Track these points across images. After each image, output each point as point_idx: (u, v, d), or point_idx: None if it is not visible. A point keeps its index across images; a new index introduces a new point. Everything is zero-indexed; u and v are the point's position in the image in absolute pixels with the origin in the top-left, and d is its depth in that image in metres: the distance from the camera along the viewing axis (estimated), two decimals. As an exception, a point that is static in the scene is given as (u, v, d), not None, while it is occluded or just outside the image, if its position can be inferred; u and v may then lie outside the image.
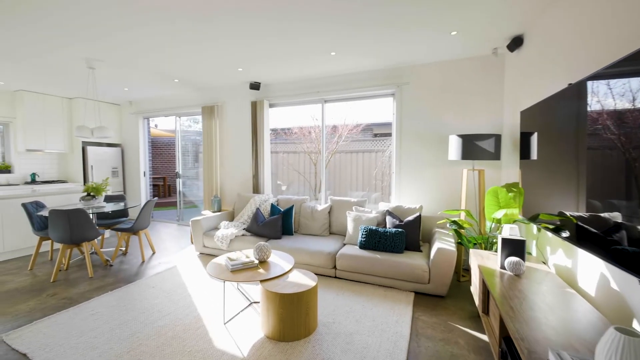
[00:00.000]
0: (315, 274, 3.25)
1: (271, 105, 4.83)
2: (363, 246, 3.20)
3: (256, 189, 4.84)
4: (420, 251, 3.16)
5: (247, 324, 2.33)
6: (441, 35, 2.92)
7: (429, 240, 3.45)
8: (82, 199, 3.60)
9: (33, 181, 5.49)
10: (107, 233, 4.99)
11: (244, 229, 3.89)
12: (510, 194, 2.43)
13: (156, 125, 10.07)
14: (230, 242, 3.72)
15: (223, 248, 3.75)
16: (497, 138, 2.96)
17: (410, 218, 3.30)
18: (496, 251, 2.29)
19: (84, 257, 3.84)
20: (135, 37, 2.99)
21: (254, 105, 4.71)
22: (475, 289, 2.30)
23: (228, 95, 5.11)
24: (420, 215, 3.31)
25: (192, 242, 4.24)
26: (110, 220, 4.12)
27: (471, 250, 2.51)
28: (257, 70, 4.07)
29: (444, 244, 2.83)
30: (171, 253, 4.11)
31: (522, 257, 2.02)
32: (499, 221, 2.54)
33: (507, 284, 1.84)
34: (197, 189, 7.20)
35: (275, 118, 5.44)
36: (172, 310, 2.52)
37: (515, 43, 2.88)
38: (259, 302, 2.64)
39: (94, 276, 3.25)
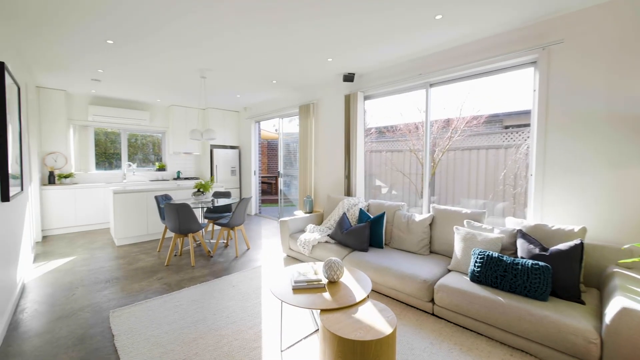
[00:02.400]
0: (405, 304, 2.54)
1: (366, 98, 4.30)
2: (477, 279, 2.26)
3: (348, 191, 4.41)
4: (582, 303, 1.97)
5: (307, 358, 1.91)
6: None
7: (600, 287, 2.15)
8: (193, 194, 4.07)
9: (178, 177, 6.84)
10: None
11: (328, 235, 3.53)
12: None
13: (276, 130, 11.15)
14: (312, 248, 3.42)
15: (305, 254, 3.49)
16: None
17: (561, 246, 2.13)
18: None
19: (198, 244, 4.36)
20: (232, 44, 3.06)
21: (347, 99, 4.29)
22: None
23: (322, 92, 4.88)
24: (582, 243, 2.09)
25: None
26: (217, 214, 4.54)
27: None
28: (348, 58, 3.62)
29: (636, 301, 1.61)
30: (262, 251, 4.17)
31: None
32: None
33: None
34: (295, 189, 7.42)
35: (377, 114, 4.88)
36: (239, 318, 2.37)
37: None
38: (327, 330, 2.17)
39: (195, 265, 3.57)
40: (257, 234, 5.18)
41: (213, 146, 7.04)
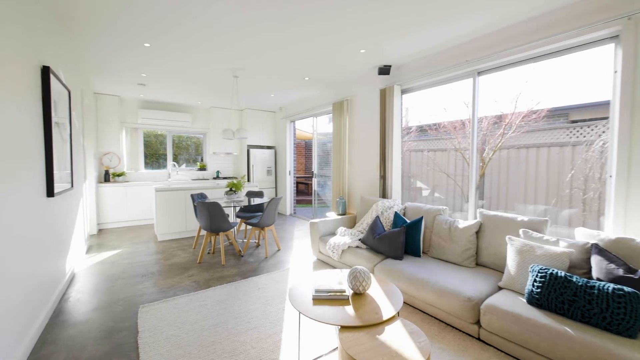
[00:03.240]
0: (444, 322, 2.21)
1: (404, 91, 3.96)
2: (536, 302, 1.86)
3: (384, 193, 4.11)
4: (689, 346, 1.49)
5: (327, 378, 1.71)
6: None
7: None
8: (225, 193, 4.11)
9: (217, 177, 7.09)
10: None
11: (359, 240, 3.28)
12: None
13: (319, 131, 11.13)
14: (342, 253, 3.21)
15: (334, 259, 3.29)
16: None
17: (657, 269, 1.65)
18: None
19: (230, 243, 4.41)
20: (260, 37, 2.99)
21: (383, 94, 4.00)
22: None
23: (356, 87, 4.64)
24: (688, 266, 1.59)
25: (312, 245, 4.06)
26: (249, 213, 4.55)
27: None
28: (382, 49, 3.34)
29: None
30: (293, 253, 4.06)
31: None
32: None
33: None
34: (330, 190, 7.23)
35: (417, 111, 4.53)
36: (261, 324, 2.25)
37: None
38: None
39: (225, 264, 3.58)
40: (289, 234, 5.11)
41: (250, 146, 7.17)
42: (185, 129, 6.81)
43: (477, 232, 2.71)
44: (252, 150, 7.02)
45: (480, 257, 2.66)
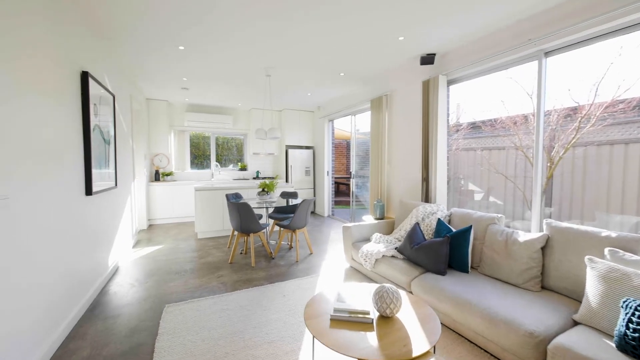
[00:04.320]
0: (496, 358, 1.80)
1: (450, 82, 3.49)
2: (632, 350, 1.38)
3: (426, 197, 3.68)
4: None
5: (344, 415, 1.45)
6: None
7: None
8: (258, 194, 4.06)
9: (257, 177, 7.19)
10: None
11: (395, 249, 2.94)
12: None
13: (358, 130, 10.84)
14: (375, 262, 2.90)
15: (367, 268, 2.99)
16: None
17: None
18: None
19: (261, 244, 4.36)
20: (292, 29, 2.85)
21: (426, 86, 3.57)
22: None
23: (396, 81, 4.25)
24: None
25: (345, 251, 3.80)
26: (282, 214, 4.45)
27: None
28: (424, 34, 2.95)
29: None
30: (326, 258, 3.85)
31: None
32: None
33: None
34: (368, 191, 6.86)
35: (468, 106, 4.02)
36: (279, 337, 2.08)
37: None
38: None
39: (254, 266, 3.50)
40: (325, 237, 4.91)
41: (288, 147, 7.15)
42: (227, 130, 7.04)
43: (543, 248, 2.20)
44: (290, 151, 6.98)
45: (547, 279, 2.15)
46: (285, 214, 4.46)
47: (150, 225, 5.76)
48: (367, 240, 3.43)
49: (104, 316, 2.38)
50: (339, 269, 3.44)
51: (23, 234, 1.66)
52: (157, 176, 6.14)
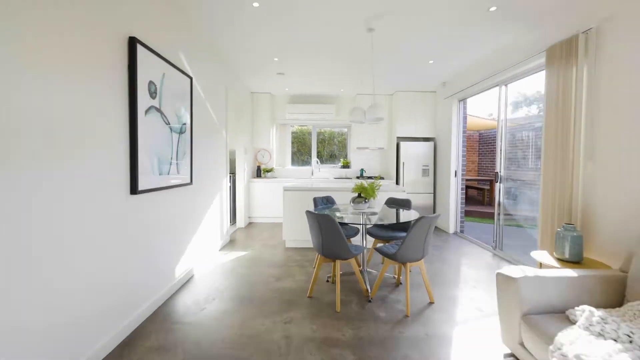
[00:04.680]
0: None
1: None
2: None
3: None
4: None
5: None
6: None
7: None
8: (353, 200, 2.85)
9: (361, 175, 6.03)
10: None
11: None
12: None
13: (492, 116, 8.23)
14: (603, 391, 1.21)
15: (574, 393, 1.31)
16: None
17: None
18: None
19: (353, 273, 3.15)
20: None
21: None
22: None
23: (611, 5, 2.18)
24: None
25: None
26: (390, 232, 3.11)
27: None
28: None
29: None
30: (456, 317, 2.29)
31: None
32: None
33: None
34: (529, 203, 4.51)
35: None
36: None
37: None
38: None
39: (340, 312, 2.34)
40: (453, 270, 3.26)
41: (400, 139, 5.66)
42: (329, 122, 6.16)
43: None
44: (403, 144, 5.48)
45: None
46: (393, 232, 3.09)
47: (249, 224, 5.50)
48: (559, 311, 1.70)
49: (144, 334, 1.73)
50: (486, 350, 1.86)
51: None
52: (258, 172, 5.86)
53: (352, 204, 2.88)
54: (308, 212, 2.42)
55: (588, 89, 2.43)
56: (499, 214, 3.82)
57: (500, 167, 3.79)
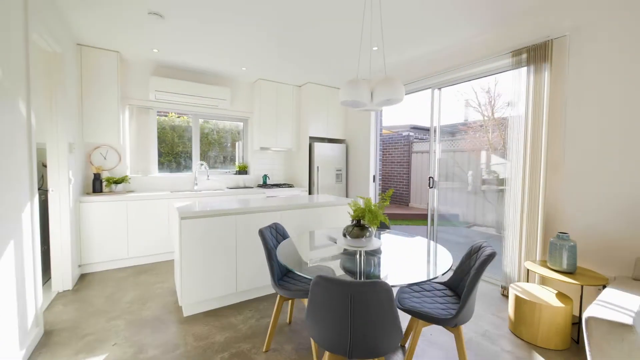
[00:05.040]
0: None
1: None
2: None
3: None
4: None
5: None
6: None
7: None
8: (348, 233, 1.73)
9: (265, 184, 4.76)
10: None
11: None
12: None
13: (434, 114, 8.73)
14: None
15: None
16: None
17: None
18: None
19: None
20: None
21: None
22: None
23: (586, 11, 2.23)
24: None
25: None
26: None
27: None
28: None
29: None
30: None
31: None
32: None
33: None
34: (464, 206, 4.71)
35: None
36: None
37: None
38: None
39: None
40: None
41: (313, 139, 4.85)
42: (221, 112, 4.51)
43: None
44: (317, 145, 4.68)
45: None
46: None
47: (83, 277, 3.10)
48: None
49: None
50: None
51: None
52: (97, 185, 3.46)
53: (347, 238, 1.73)
54: (323, 279, 1.13)
55: (554, 97, 2.42)
56: (432, 219, 3.68)
57: (435, 172, 3.65)
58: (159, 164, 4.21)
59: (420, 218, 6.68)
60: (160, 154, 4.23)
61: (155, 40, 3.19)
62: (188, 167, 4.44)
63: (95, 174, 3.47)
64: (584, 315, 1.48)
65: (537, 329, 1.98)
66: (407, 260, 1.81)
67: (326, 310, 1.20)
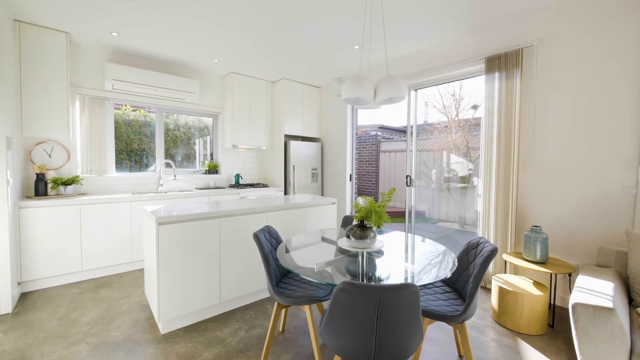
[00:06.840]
0: None
1: None
2: None
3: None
4: None
5: None
6: None
7: None
8: (350, 232, 1.67)
9: (237, 183, 4.51)
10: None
11: None
12: None
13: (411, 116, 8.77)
14: None
15: None
16: None
17: None
18: None
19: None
20: None
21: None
22: None
23: (551, 24, 2.45)
24: None
25: None
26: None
27: None
28: None
29: None
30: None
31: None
32: None
33: None
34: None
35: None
36: None
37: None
38: None
39: None
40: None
41: (288, 137, 4.72)
42: (188, 106, 4.16)
43: None
44: (292, 143, 4.55)
45: None
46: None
47: (24, 296, 2.62)
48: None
49: None
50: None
51: None
52: (41, 187, 2.96)
53: (350, 238, 1.67)
54: (347, 286, 1.05)
55: (526, 100, 2.62)
56: (409, 217, 3.79)
57: (412, 170, 3.76)
58: (116, 163, 3.74)
59: (391, 215, 6.88)
60: (131, 153, 3.77)
61: (115, 23, 2.81)
62: (147, 166, 4.02)
63: (37, 175, 2.96)
64: (570, 302, 1.60)
65: (520, 317, 2.12)
66: (414, 259, 1.80)
67: (350, 316, 1.12)
